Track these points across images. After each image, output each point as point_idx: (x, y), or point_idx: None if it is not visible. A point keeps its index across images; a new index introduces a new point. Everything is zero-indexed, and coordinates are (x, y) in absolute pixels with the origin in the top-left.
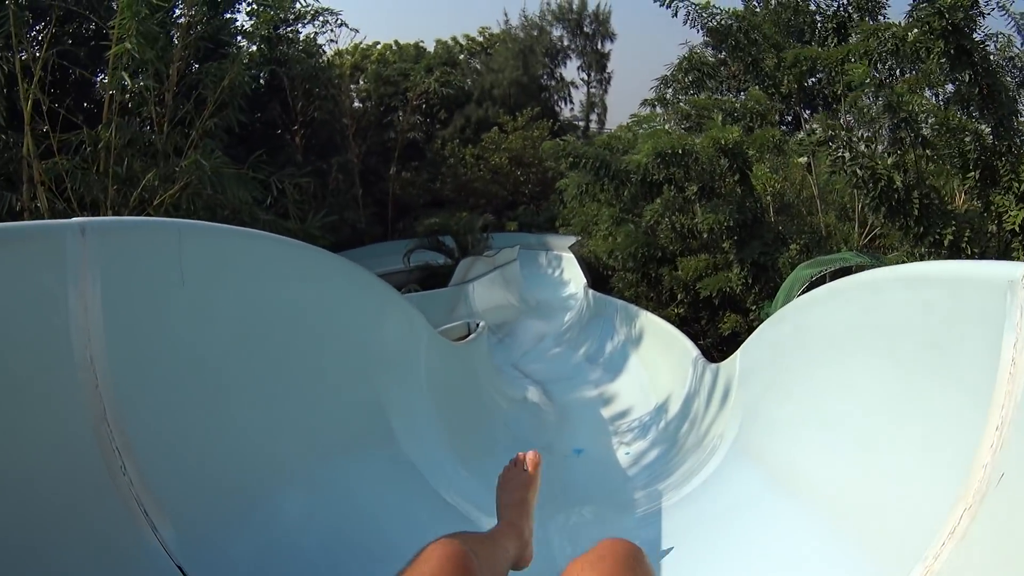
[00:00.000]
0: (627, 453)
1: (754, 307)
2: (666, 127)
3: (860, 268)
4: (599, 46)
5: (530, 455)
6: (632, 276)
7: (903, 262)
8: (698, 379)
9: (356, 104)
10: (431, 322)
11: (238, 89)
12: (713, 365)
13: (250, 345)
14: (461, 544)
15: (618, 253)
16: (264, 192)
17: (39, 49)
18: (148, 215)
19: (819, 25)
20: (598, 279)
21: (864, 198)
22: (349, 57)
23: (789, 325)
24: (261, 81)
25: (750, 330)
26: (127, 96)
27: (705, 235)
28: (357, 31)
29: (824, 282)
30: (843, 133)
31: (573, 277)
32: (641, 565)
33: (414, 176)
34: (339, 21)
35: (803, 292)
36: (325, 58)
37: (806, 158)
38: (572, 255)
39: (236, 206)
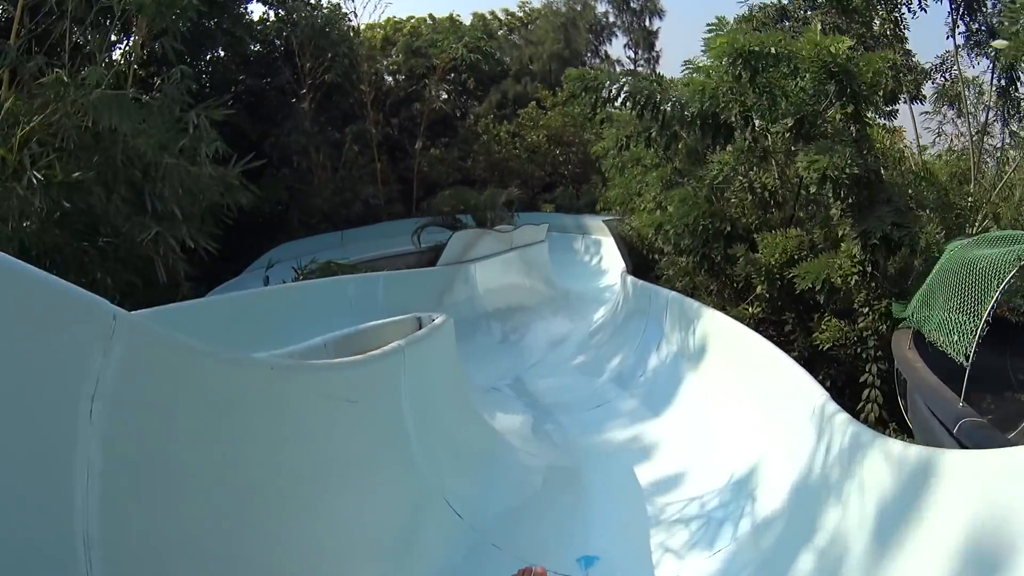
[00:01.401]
0: None
1: (867, 309)
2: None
3: None
4: (647, 23)
5: (537, 569)
6: (687, 260)
7: None
8: (832, 454)
9: (387, 78)
10: (409, 307)
11: (181, 15)
12: (895, 445)
13: None
14: None
15: (669, 228)
16: (174, 130)
17: None
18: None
19: None
20: (640, 266)
21: None
22: (380, 31)
23: None
24: (279, 43)
25: (860, 342)
26: None
27: (812, 190)
28: None
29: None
30: None
31: (613, 266)
32: None
33: (444, 153)
34: None
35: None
36: (348, 25)
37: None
38: (611, 239)
39: (136, 146)
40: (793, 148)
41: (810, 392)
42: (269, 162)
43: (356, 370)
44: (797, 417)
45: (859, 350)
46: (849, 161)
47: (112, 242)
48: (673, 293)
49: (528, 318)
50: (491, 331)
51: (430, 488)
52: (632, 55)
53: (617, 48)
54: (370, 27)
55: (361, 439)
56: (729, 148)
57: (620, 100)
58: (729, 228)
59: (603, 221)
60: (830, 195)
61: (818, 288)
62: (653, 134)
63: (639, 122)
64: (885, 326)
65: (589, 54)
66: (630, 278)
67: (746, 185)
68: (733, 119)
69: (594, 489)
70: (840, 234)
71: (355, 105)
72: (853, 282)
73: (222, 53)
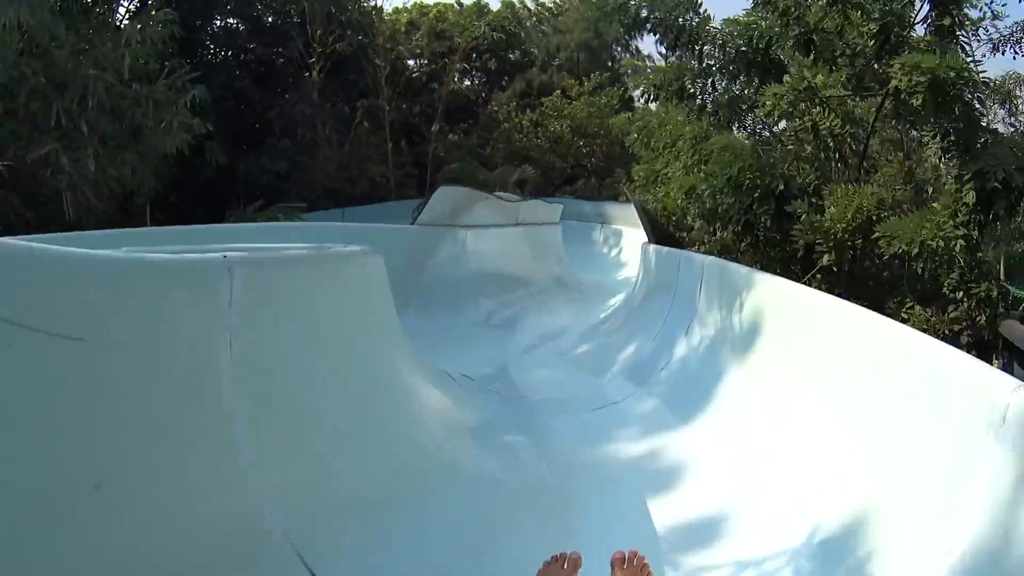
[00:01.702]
0: None
1: (961, 293)
2: None
3: None
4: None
5: (572, 555)
6: (725, 232)
7: None
8: None
9: (410, 62)
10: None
11: None
12: None
13: None
14: None
15: (704, 189)
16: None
17: None
18: None
19: None
20: (664, 245)
21: None
22: (406, 14)
23: None
24: (294, 17)
25: (953, 336)
26: None
27: (916, 102)
28: None
29: None
30: None
31: (634, 259)
32: None
33: (463, 140)
34: None
35: None
36: (368, 3)
37: None
38: (638, 229)
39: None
40: (877, 61)
41: (987, 383)
42: (272, 132)
43: (87, 282)
44: (955, 430)
45: None
46: (966, 63)
47: (11, 166)
48: (710, 258)
49: (527, 299)
50: (479, 308)
51: (268, 526)
52: (664, 51)
53: (648, 43)
54: (396, 11)
55: (106, 419)
56: (786, 80)
57: (649, 27)
58: (782, 187)
59: (627, 191)
60: (936, 115)
61: (914, 253)
62: (686, 83)
63: (669, 68)
64: (984, 316)
65: (619, 48)
66: (652, 247)
67: (808, 126)
68: (790, 46)
69: (584, 531)
70: (931, 190)
71: (369, 81)
72: (958, 247)
73: (233, 22)
